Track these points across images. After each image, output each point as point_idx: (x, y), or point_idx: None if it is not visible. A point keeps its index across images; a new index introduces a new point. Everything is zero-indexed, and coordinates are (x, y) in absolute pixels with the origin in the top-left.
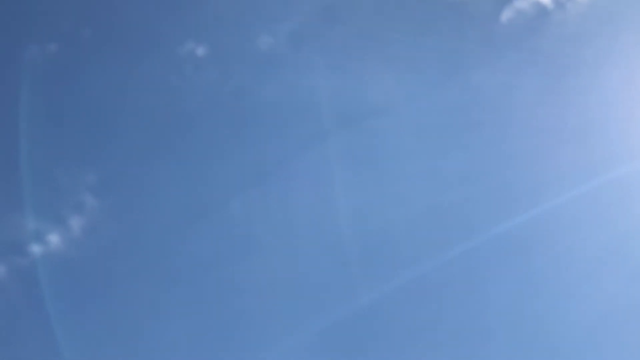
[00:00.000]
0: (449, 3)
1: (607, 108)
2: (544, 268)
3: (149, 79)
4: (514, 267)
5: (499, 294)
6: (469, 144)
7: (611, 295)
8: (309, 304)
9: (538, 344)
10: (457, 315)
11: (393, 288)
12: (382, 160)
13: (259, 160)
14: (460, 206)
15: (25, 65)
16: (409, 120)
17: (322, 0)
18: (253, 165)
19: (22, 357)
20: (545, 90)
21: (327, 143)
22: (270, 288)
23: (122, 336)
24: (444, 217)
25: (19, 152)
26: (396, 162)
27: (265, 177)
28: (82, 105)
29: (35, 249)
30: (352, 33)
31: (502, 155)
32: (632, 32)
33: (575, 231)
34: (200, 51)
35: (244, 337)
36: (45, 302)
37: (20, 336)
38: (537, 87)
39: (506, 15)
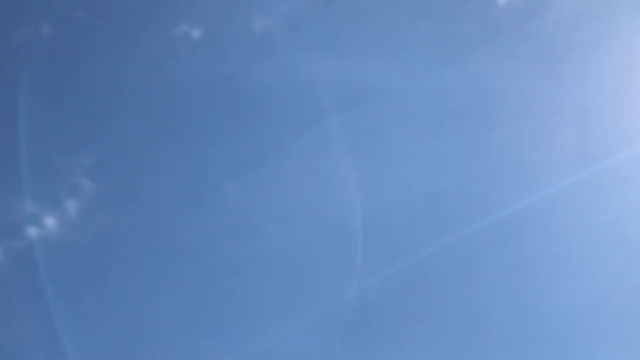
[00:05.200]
0: None
1: (605, 93)
2: (540, 255)
3: (144, 62)
4: (510, 254)
5: (494, 282)
6: (465, 129)
7: (607, 283)
8: (304, 293)
9: (533, 332)
10: (453, 303)
11: (387, 275)
12: (378, 145)
13: (255, 143)
14: (456, 193)
15: (20, 48)
16: (405, 104)
17: None
18: (250, 148)
19: (19, 340)
20: (543, 74)
21: (322, 126)
22: (266, 270)
23: (119, 318)
24: (441, 203)
25: (16, 136)
26: (391, 147)
27: (261, 160)
28: (77, 88)
29: (32, 231)
30: (348, 16)
31: (499, 141)
32: (631, 16)
33: (571, 219)
34: (196, 33)
35: (241, 320)
36: (41, 284)
37: (17, 319)
38: (535, 71)
39: None
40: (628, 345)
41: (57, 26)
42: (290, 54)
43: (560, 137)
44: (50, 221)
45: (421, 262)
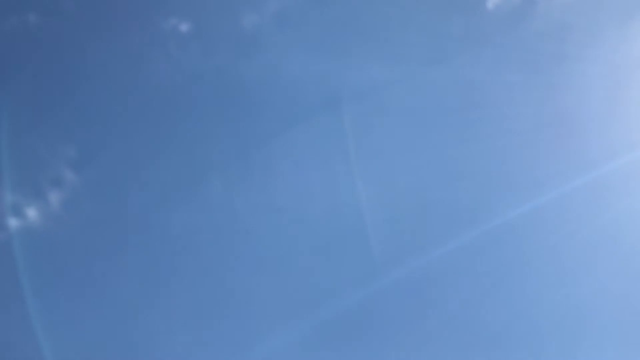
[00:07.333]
0: None
1: (595, 99)
2: (542, 260)
3: (131, 55)
4: (511, 259)
5: (495, 286)
6: (464, 134)
7: (608, 287)
8: (297, 299)
9: (534, 333)
10: (454, 307)
11: (386, 278)
12: (369, 144)
13: (241, 138)
14: (455, 198)
15: (4, 39)
16: (393, 105)
17: None
18: (235, 142)
19: None
20: (532, 80)
21: (311, 124)
22: (252, 266)
23: (101, 313)
24: (434, 211)
25: None
26: (383, 150)
27: (245, 155)
28: (62, 79)
29: (13, 222)
30: (338, 15)
31: (491, 147)
32: (620, 21)
33: (572, 223)
34: (184, 28)
35: (235, 322)
36: (21, 275)
37: None
38: (523, 77)
39: (493, 2)
40: (631, 349)
41: (43, 17)
42: (279, 50)
43: (560, 142)
44: (32, 213)
45: (421, 265)
